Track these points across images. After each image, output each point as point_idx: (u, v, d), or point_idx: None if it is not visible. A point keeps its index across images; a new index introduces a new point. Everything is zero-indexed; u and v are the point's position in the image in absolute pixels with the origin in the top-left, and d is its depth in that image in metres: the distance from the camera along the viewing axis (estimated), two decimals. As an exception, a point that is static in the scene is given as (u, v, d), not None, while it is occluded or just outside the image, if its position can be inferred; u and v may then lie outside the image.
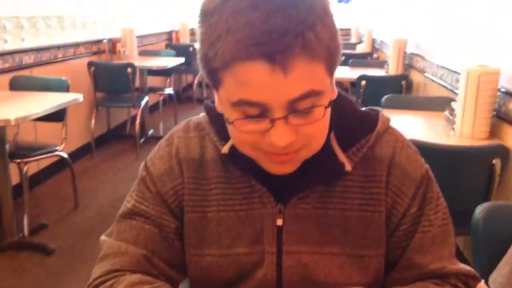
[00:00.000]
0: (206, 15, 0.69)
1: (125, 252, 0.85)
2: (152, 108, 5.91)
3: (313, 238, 0.83)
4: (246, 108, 0.69)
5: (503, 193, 2.16)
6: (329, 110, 0.73)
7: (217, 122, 0.86)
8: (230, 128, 0.75)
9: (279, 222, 0.83)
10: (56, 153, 3.27)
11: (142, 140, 5.03)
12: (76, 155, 4.37)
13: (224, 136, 0.85)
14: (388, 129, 0.87)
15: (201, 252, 0.87)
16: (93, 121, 4.64)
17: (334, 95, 0.78)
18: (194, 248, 0.88)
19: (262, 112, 0.69)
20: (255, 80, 0.66)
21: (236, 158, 0.83)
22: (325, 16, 0.68)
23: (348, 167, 0.82)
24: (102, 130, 5.07)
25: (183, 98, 7.46)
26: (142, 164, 0.92)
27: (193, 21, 7.18)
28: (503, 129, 2.28)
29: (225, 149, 0.84)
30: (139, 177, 0.91)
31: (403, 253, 0.85)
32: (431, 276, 0.84)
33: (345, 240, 0.83)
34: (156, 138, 5.35)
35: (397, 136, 0.87)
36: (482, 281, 0.81)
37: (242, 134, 0.73)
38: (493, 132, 2.33)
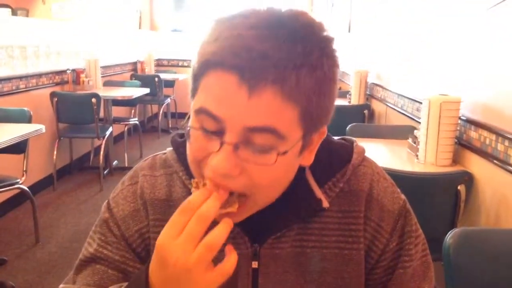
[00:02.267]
0: (212, 22, 0.69)
1: None
2: (116, 139, 5.82)
3: (291, 280, 0.79)
4: (205, 119, 0.66)
5: (469, 218, 2.21)
6: (284, 161, 0.66)
7: (186, 158, 0.80)
8: (187, 135, 0.71)
9: (254, 264, 0.79)
10: (17, 186, 3.16)
11: (106, 171, 4.92)
12: (37, 187, 4.24)
13: (192, 174, 0.79)
14: (363, 160, 0.84)
15: None
16: (55, 152, 4.53)
17: (307, 162, 0.74)
18: None
19: (217, 130, 0.65)
20: (219, 89, 0.64)
21: None
22: (319, 70, 0.65)
23: (325, 203, 0.78)
24: (64, 161, 4.95)
25: (148, 129, 7.41)
26: (105, 204, 0.87)
27: (159, 52, 7.20)
28: (465, 156, 2.35)
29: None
30: (101, 218, 0.86)
31: None
32: None
33: (324, 280, 0.80)
34: (121, 169, 5.36)
35: (373, 168, 0.85)
36: None
37: (193, 149, 0.69)
38: (456, 159, 2.40)
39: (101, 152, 4.65)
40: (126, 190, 0.85)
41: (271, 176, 0.68)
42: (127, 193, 0.85)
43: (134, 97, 5.07)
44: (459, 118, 2.38)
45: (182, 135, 0.86)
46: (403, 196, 0.85)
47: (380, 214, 0.81)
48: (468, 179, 2.12)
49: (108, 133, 4.73)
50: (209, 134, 0.66)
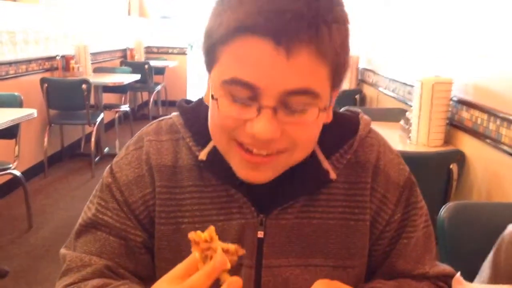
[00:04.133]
0: None
1: (88, 264, 0.79)
2: (107, 126, 5.80)
3: (295, 250, 0.79)
4: (237, 89, 0.65)
5: (461, 196, 2.25)
6: (323, 117, 0.69)
7: (193, 124, 0.81)
8: (212, 108, 0.70)
9: (260, 234, 0.78)
10: (9, 171, 3.14)
11: (97, 158, 4.91)
12: (28, 174, 4.21)
13: (201, 141, 0.79)
14: (370, 132, 0.84)
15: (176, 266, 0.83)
16: (46, 139, 4.49)
17: (328, 119, 0.74)
18: (167, 263, 0.79)
19: (252, 96, 0.64)
20: (255, 56, 0.62)
21: (214, 165, 0.78)
22: (343, 25, 0.66)
23: (332, 175, 0.78)
24: (55, 148, 4.91)
25: (139, 116, 7.36)
26: (107, 169, 0.84)
27: (148, 39, 7.12)
28: (457, 136, 2.38)
29: (202, 155, 0.78)
30: (103, 183, 0.83)
31: (386, 258, 0.84)
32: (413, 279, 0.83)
33: (329, 251, 0.80)
34: (112, 156, 5.20)
35: (379, 140, 0.84)
36: (458, 273, 0.82)
37: (223, 117, 0.68)
38: (447, 140, 2.43)
39: (92, 139, 4.62)
40: (130, 155, 0.83)
41: (310, 133, 0.69)
42: (131, 158, 0.82)
43: (125, 83, 5.03)
44: (451, 99, 2.40)
45: (189, 101, 0.85)
46: (407, 168, 0.85)
47: (386, 185, 0.81)
48: (460, 157, 2.16)
49: (99, 119, 4.70)
50: (243, 102, 0.65)
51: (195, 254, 0.62)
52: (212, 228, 0.63)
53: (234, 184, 0.77)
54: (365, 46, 4.64)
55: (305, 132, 0.68)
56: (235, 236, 0.78)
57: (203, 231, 0.69)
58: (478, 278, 1.10)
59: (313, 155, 0.77)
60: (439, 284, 0.84)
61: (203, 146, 0.79)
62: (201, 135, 0.79)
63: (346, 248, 0.80)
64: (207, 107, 0.78)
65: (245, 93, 0.65)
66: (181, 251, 0.79)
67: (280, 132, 0.66)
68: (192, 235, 0.62)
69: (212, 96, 0.68)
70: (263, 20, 0.61)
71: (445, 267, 0.86)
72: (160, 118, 0.87)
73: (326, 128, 0.75)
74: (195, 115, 0.82)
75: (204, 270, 0.59)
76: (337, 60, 0.66)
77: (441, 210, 1.37)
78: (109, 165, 0.85)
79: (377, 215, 0.81)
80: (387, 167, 0.82)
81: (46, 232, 3.36)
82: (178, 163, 0.81)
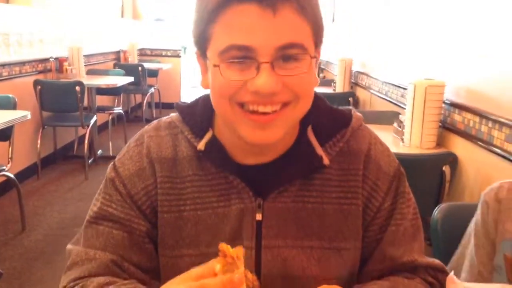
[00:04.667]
0: None
1: (93, 259, 0.82)
2: (100, 128, 5.78)
3: (292, 232, 0.84)
4: (234, 54, 0.70)
5: (453, 198, 2.27)
6: (314, 64, 0.76)
7: (190, 119, 0.86)
8: (214, 77, 0.75)
9: (258, 217, 0.83)
10: (3, 173, 3.14)
11: (90, 160, 4.90)
12: (21, 176, 4.19)
13: (199, 133, 0.84)
14: (361, 125, 0.90)
15: (179, 253, 0.85)
16: (39, 141, 4.48)
17: (316, 83, 0.79)
18: (171, 250, 0.85)
19: (249, 57, 0.70)
20: (245, 21, 0.69)
21: (213, 154, 0.83)
22: None
23: (326, 160, 0.83)
24: (48, 150, 4.90)
25: (132, 118, 7.35)
26: (110, 165, 0.89)
27: (142, 41, 7.08)
28: (449, 138, 2.41)
29: (201, 145, 0.83)
30: (106, 179, 0.88)
31: (376, 246, 0.88)
32: (402, 269, 0.87)
33: (324, 234, 0.85)
34: (106, 158, 5.32)
35: (370, 133, 0.90)
36: (451, 273, 0.84)
37: (226, 82, 0.72)
38: (440, 142, 2.46)
39: (86, 141, 4.61)
40: (132, 151, 0.88)
41: (307, 83, 0.75)
42: (132, 153, 0.87)
43: (118, 85, 5.04)
44: (443, 102, 2.43)
45: (185, 103, 0.90)
46: (397, 160, 0.91)
47: (376, 174, 0.87)
48: (452, 160, 2.18)
49: (92, 121, 4.70)
50: (241, 65, 0.71)
51: (214, 264, 0.64)
52: (242, 249, 0.66)
53: (232, 170, 0.82)
54: (359, 49, 4.67)
55: (302, 82, 0.74)
56: (235, 220, 0.83)
57: (204, 217, 0.77)
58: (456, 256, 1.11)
59: (307, 141, 0.84)
60: (428, 279, 0.87)
61: (201, 137, 0.84)
62: (199, 128, 0.84)
63: (341, 231, 0.85)
64: (202, 104, 0.86)
65: (242, 55, 0.71)
66: (183, 238, 0.85)
67: (280, 85, 0.71)
68: (223, 247, 0.64)
69: (214, 65, 0.73)
70: None
71: (433, 260, 0.90)
72: (159, 119, 0.92)
73: (320, 118, 0.85)
74: (191, 111, 0.88)
75: (221, 278, 0.63)
76: (315, 17, 0.74)
77: (434, 211, 1.39)
78: (111, 162, 0.90)
79: (369, 201, 0.86)
80: (378, 157, 0.87)
81: (39, 234, 3.35)
82: (178, 155, 0.86)
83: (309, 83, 0.75)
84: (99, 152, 5.22)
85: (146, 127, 0.91)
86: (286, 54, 0.71)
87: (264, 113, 0.73)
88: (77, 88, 4.34)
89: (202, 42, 0.75)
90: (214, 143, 0.83)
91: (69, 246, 0.88)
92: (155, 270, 0.88)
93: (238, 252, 0.65)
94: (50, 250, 3.11)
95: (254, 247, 0.83)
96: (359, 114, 0.91)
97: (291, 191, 0.84)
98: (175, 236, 0.85)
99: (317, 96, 0.86)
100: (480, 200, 1.08)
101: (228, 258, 0.63)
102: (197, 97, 0.89)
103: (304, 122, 0.84)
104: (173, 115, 0.90)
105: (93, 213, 0.87)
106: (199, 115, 0.86)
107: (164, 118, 0.91)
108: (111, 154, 5.22)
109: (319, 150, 0.84)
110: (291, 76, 0.72)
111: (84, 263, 0.82)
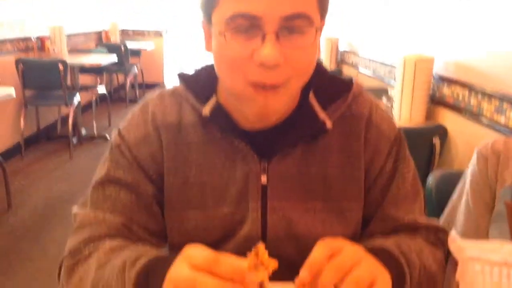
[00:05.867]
0: None
1: (102, 221, 0.82)
2: (83, 109, 5.70)
3: (296, 195, 0.85)
4: (240, 22, 0.70)
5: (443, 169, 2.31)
6: (319, 37, 0.75)
7: (194, 86, 0.86)
8: (219, 45, 0.74)
9: (263, 179, 0.84)
10: (-13, 151, 3.08)
11: (75, 140, 4.83)
12: (4, 156, 4.13)
13: (203, 99, 0.84)
14: (362, 92, 0.91)
15: (185, 215, 0.85)
16: (21, 120, 4.40)
17: (318, 54, 0.79)
18: (177, 212, 0.86)
19: (255, 26, 0.70)
20: None
21: (218, 119, 0.83)
22: None
23: (328, 124, 0.84)
24: (31, 130, 4.82)
25: (115, 99, 7.25)
26: (115, 133, 0.89)
27: (123, 21, 6.94)
28: (439, 112, 2.44)
29: (206, 111, 0.83)
30: (112, 145, 0.88)
31: (378, 207, 0.89)
32: (403, 229, 0.89)
33: (327, 196, 0.86)
34: (90, 138, 5.27)
35: (371, 98, 0.91)
36: (452, 232, 0.85)
37: (232, 49, 0.72)
38: (429, 116, 2.49)
39: (70, 120, 4.55)
40: (137, 117, 0.88)
41: (311, 57, 0.75)
42: (137, 120, 0.88)
43: (102, 64, 4.96)
44: (433, 76, 2.46)
45: (187, 73, 0.90)
46: (397, 125, 0.92)
47: (378, 137, 0.88)
48: (442, 132, 2.22)
49: (76, 100, 4.63)
50: (247, 33, 0.71)
51: (240, 261, 0.59)
52: (274, 265, 0.61)
53: (237, 135, 0.83)
54: (345, 28, 4.67)
55: (306, 56, 0.74)
56: (241, 182, 0.84)
57: (210, 181, 0.79)
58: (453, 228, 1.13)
59: (309, 105, 0.85)
60: (430, 239, 0.89)
61: (205, 103, 0.84)
62: (203, 94, 0.84)
63: (344, 193, 0.87)
64: (206, 72, 0.87)
65: (248, 24, 0.70)
66: (189, 200, 0.85)
67: (284, 57, 0.71)
68: (261, 248, 0.61)
69: (220, 33, 0.73)
70: None
71: (434, 220, 0.93)
72: (161, 89, 0.92)
73: (322, 83, 0.86)
74: (195, 79, 0.88)
75: (239, 262, 0.59)
76: None
77: (427, 178, 1.41)
78: (116, 130, 0.89)
79: (370, 164, 0.88)
80: (379, 121, 0.89)
81: (25, 213, 3.31)
82: (182, 121, 0.86)
83: (312, 57, 0.76)
84: (83, 131, 5.15)
85: (149, 95, 0.92)
86: (292, 26, 0.71)
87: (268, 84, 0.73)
88: (60, 66, 4.26)
89: (209, 7, 0.75)
90: (218, 108, 0.84)
91: (75, 210, 0.87)
92: (162, 233, 0.88)
93: (270, 263, 0.61)
94: (37, 228, 3.08)
95: (260, 209, 0.84)
96: (360, 82, 0.92)
97: (295, 154, 0.85)
98: (181, 199, 0.86)
99: (318, 63, 0.86)
100: (475, 154, 1.10)
101: (259, 259, 0.60)
102: (200, 67, 0.90)
103: (306, 87, 0.84)
104: (176, 84, 0.91)
105: (99, 178, 0.86)
106: (203, 82, 0.86)
107: (168, 87, 0.92)
108: (95, 134, 5.16)
109: (322, 115, 0.84)
110: (294, 49, 0.72)
111: (93, 225, 0.82)
